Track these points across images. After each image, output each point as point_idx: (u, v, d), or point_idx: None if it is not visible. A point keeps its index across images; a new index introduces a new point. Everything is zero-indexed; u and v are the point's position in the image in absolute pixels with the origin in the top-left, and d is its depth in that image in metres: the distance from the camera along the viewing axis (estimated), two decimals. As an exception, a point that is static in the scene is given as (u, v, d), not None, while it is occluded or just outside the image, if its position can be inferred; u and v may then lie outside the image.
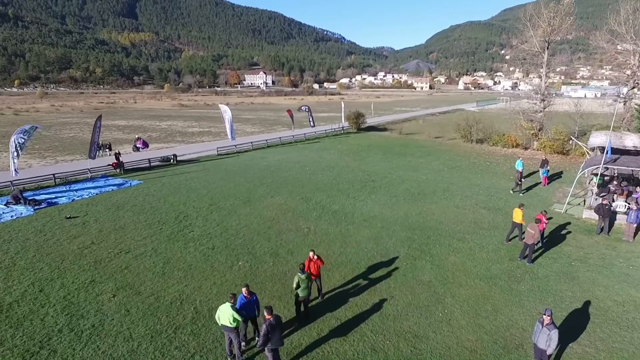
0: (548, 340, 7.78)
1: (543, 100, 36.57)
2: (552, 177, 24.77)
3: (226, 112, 33.51)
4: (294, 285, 9.73)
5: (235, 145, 34.56)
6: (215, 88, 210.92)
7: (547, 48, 35.09)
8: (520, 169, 24.26)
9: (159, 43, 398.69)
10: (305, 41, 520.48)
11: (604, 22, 33.82)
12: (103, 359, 8.68)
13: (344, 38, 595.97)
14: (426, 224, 16.87)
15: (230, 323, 8.40)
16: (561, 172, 26.46)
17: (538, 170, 25.01)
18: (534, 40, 35.42)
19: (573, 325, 9.86)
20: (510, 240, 15.00)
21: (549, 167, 23.94)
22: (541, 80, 36.25)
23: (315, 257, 10.72)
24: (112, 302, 10.89)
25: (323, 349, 9.10)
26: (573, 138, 27.83)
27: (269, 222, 17.08)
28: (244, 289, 8.98)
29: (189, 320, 10.11)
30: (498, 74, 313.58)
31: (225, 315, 8.43)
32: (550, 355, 7.99)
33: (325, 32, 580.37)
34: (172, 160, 29.25)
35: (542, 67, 35.64)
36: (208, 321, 10.05)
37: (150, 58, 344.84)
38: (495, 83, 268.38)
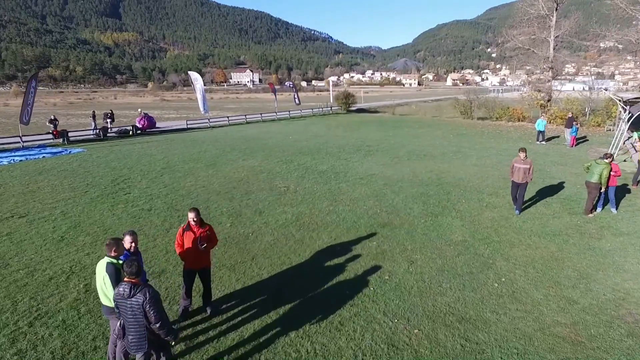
0: None
1: (551, 68, 33.14)
2: (578, 140, 21.04)
3: (197, 81, 29.12)
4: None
5: (208, 119, 30.15)
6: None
7: (556, 9, 31.70)
8: (541, 129, 20.61)
9: (143, 43, 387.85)
10: (293, 41, 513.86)
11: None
12: None
13: (331, 37, 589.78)
14: (442, 180, 12.87)
15: (106, 295, 4.18)
16: (585, 136, 22.80)
17: (559, 135, 21.40)
18: (541, 3, 32.02)
19: None
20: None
21: (578, 125, 20.22)
22: (550, 45, 32.73)
23: (200, 226, 5.25)
24: (-49, 279, 6.59)
25: (301, 344, 4.94)
26: (604, 90, 24.11)
27: (235, 182, 12.89)
28: (127, 237, 4.56)
29: (68, 302, 5.87)
30: (485, 71, 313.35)
31: (99, 280, 4.22)
32: None
33: (312, 32, 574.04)
34: (130, 132, 24.80)
35: (551, 31, 32.17)
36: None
37: (134, 58, 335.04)
38: (483, 79, 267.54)
